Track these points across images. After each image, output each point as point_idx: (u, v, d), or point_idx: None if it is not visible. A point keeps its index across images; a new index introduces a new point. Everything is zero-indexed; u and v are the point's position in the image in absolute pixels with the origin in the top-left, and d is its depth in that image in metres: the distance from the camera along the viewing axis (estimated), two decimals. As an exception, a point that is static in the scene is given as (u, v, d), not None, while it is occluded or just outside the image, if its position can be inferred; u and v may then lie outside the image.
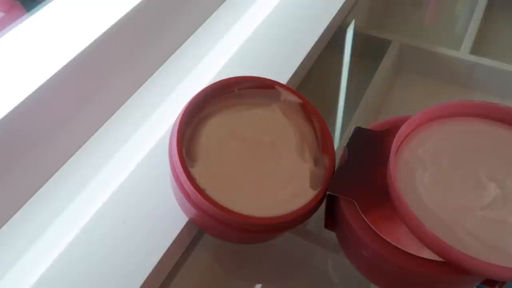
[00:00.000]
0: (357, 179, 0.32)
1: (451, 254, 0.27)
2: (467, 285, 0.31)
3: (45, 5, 0.38)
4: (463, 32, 0.60)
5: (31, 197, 0.36)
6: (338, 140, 0.52)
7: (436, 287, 0.31)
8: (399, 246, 0.29)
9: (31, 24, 0.36)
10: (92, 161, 0.39)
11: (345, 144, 0.33)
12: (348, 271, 0.36)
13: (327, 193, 0.32)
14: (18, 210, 0.35)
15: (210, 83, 0.35)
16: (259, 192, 0.32)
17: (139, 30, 0.40)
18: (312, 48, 0.48)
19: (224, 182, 0.31)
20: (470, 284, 0.31)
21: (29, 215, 0.35)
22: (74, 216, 0.36)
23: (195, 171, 0.31)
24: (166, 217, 0.35)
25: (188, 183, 0.30)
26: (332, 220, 0.34)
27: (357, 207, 0.30)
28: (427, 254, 0.28)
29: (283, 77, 0.44)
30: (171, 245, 0.34)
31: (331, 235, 0.35)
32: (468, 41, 0.58)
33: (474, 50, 0.57)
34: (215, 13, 0.51)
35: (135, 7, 0.39)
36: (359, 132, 0.34)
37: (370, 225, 0.29)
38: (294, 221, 0.31)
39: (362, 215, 0.30)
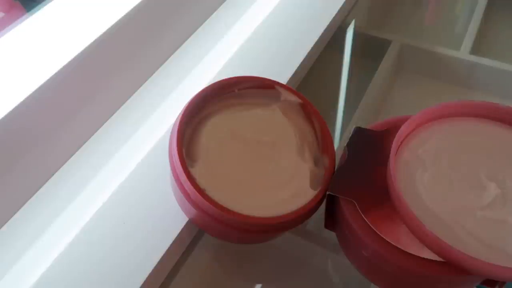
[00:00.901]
0: (357, 179, 0.32)
1: (451, 254, 0.27)
2: (467, 285, 0.31)
3: (45, 5, 0.38)
4: (463, 32, 0.60)
5: (31, 197, 0.36)
6: (338, 140, 0.52)
7: (436, 287, 0.31)
8: (399, 246, 0.29)
9: (31, 24, 0.36)
10: (92, 161, 0.39)
11: (345, 144, 0.33)
12: (348, 271, 0.36)
13: (327, 193, 0.32)
14: (18, 210, 0.35)
15: (210, 83, 0.35)
16: (259, 192, 0.32)
17: (139, 30, 0.40)
18: (312, 48, 0.48)
19: (224, 182, 0.31)
20: (470, 284, 0.31)
21: (29, 215, 0.35)
22: (74, 216, 0.36)
23: (195, 171, 0.31)
24: (166, 217, 0.35)
25: (188, 183, 0.30)
26: (332, 220, 0.34)
27: (357, 207, 0.30)
28: (427, 254, 0.28)
29: (283, 77, 0.44)
30: (171, 245, 0.34)
31: (331, 235, 0.35)
32: (468, 41, 0.58)
33: (474, 50, 0.57)
34: (215, 13, 0.51)
35: (135, 7, 0.39)
36: (359, 132, 0.34)
37: (370, 225, 0.29)
38: (294, 221, 0.31)
39: (362, 215, 0.30)
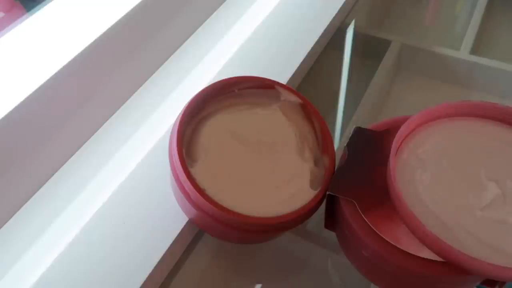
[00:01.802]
0: (357, 179, 0.32)
1: (451, 254, 0.27)
2: (467, 285, 0.31)
3: (45, 5, 0.38)
4: (463, 32, 0.60)
5: (31, 197, 0.36)
6: (338, 140, 0.52)
7: (436, 287, 0.31)
8: (399, 246, 0.29)
9: (31, 24, 0.36)
10: (92, 161, 0.39)
11: (345, 144, 0.33)
12: (348, 271, 0.36)
13: (327, 193, 0.32)
14: (18, 210, 0.35)
15: (210, 83, 0.35)
16: (259, 192, 0.32)
17: (139, 30, 0.40)
18: (312, 48, 0.48)
19: (224, 182, 0.31)
20: (470, 284, 0.31)
21: (29, 215, 0.35)
22: (74, 216, 0.36)
23: (195, 171, 0.31)
24: (166, 217, 0.35)
25: (188, 183, 0.30)
26: (332, 220, 0.34)
27: (357, 207, 0.30)
28: (427, 254, 0.28)
29: (283, 77, 0.44)
30: (171, 245, 0.34)
31: (331, 235, 0.35)
32: (468, 41, 0.58)
33: (474, 50, 0.57)
34: (215, 13, 0.51)
35: (135, 7, 0.39)
36: (359, 132, 0.34)
37: (370, 225, 0.29)
38: (294, 221, 0.31)
39: (362, 215, 0.30)
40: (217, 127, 0.34)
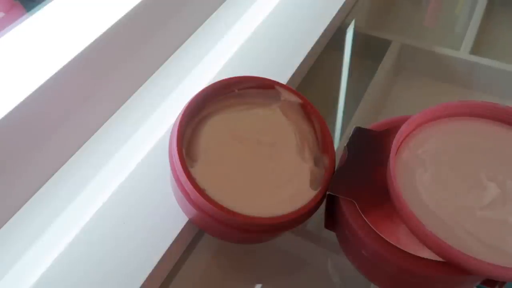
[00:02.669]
0: (357, 179, 0.32)
1: (451, 254, 0.27)
2: (467, 285, 0.31)
3: (45, 5, 0.38)
4: (463, 32, 0.60)
5: (31, 197, 0.36)
6: (338, 140, 0.52)
7: (436, 287, 0.31)
8: (399, 246, 0.29)
9: (31, 24, 0.36)
10: (92, 161, 0.39)
11: (345, 144, 0.33)
12: (348, 271, 0.36)
13: (327, 193, 0.32)
14: (18, 210, 0.35)
15: (210, 83, 0.35)
16: (259, 192, 0.32)
17: (139, 30, 0.40)
18: (312, 48, 0.48)
19: (224, 182, 0.31)
20: (470, 284, 0.31)
21: (29, 215, 0.35)
22: (74, 216, 0.36)
23: (195, 171, 0.31)
24: (166, 217, 0.35)
25: (188, 183, 0.30)
26: (332, 220, 0.34)
27: (357, 207, 0.30)
28: (427, 254, 0.28)
29: (283, 77, 0.44)
30: (171, 245, 0.34)
31: (331, 235, 0.35)
32: (468, 41, 0.58)
33: (474, 50, 0.57)
34: (215, 13, 0.51)
35: (135, 7, 0.39)
36: (359, 132, 0.34)
37: (370, 225, 0.29)
38: (294, 221, 0.31)
39: (362, 215, 0.30)
40: (217, 127, 0.34)
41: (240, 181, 0.32)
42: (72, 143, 0.38)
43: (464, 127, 0.33)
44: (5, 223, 0.34)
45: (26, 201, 0.36)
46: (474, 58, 0.55)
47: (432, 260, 0.28)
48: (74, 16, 0.38)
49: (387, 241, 0.29)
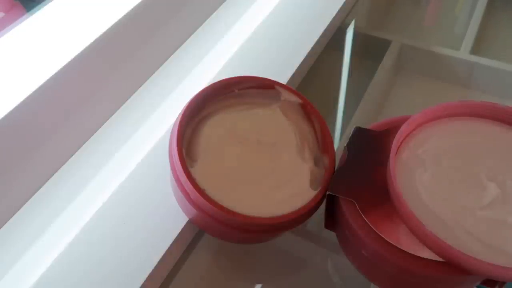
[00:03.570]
0: (357, 179, 0.32)
1: (451, 254, 0.27)
2: (467, 285, 0.31)
3: (45, 5, 0.38)
4: (463, 32, 0.60)
5: (31, 197, 0.36)
6: (338, 140, 0.52)
7: (436, 287, 0.31)
8: (399, 246, 0.29)
9: (31, 24, 0.36)
10: (92, 161, 0.39)
11: (345, 144, 0.33)
12: (348, 271, 0.36)
13: (327, 193, 0.32)
14: (18, 210, 0.35)
15: (210, 83, 0.35)
16: (259, 192, 0.32)
17: (139, 30, 0.40)
18: (312, 48, 0.48)
19: (224, 182, 0.31)
20: (470, 284, 0.31)
21: (29, 215, 0.35)
22: (74, 216, 0.36)
23: (195, 171, 0.31)
24: (166, 217, 0.35)
25: (188, 183, 0.30)
26: (332, 220, 0.34)
27: (357, 207, 0.30)
28: (427, 254, 0.28)
29: (283, 77, 0.44)
30: (171, 245, 0.34)
31: (331, 235, 0.35)
32: (468, 41, 0.58)
33: (474, 50, 0.57)
34: (215, 13, 0.51)
35: (135, 7, 0.39)
36: (359, 132, 0.34)
37: (370, 225, 0.29)
38: (294, 221, 0.31)
39: (362, 215, 0.30)
40: (217, 127, 0.34)
41: (240, 181, 0.32)
42: (72, 143, 0.38)
43: (464, 127, 0.33)
44: (5, 223, 0.34)
45: (26, 201, 0.36)
46: (474, 58, 0.55)
47: (432, 260, 0.28)
48: (74, 16, 0.38)
49: (387, 241, 0.29)
